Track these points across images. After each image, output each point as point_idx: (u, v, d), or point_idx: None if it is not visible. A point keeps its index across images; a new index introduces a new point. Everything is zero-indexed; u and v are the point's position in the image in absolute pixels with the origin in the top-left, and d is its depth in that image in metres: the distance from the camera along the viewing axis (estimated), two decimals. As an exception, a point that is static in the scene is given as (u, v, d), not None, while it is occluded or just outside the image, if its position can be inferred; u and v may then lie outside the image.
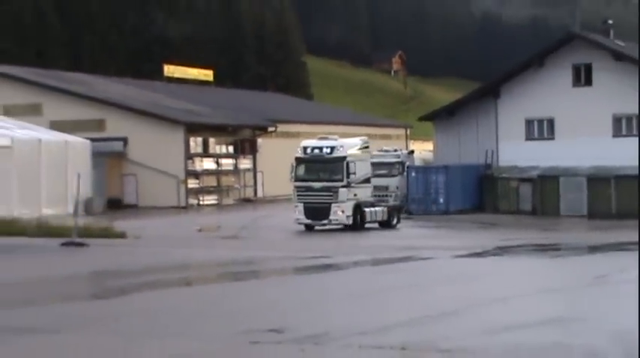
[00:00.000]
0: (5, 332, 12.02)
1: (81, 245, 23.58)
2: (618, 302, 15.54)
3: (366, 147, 34.29)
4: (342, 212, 31.86)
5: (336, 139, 33.74)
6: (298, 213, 32.30)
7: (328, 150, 32.33)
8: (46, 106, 45.43)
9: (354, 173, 32.30)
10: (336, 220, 32.11)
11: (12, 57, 61.72)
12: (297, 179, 32.59)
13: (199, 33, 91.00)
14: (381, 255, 23.60)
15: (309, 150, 32.57)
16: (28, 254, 22.49)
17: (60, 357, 10.76)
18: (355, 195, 32.28)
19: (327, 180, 32.13)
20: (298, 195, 32.30)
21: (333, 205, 31.79)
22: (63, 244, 23.63)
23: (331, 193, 31.82)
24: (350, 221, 32.06)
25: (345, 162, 31.93)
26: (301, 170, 32.57)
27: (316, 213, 31.96)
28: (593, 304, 15.16)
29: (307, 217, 32.13)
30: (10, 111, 42.99)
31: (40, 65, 57.81)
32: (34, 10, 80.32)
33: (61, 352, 11.04)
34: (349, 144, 33.35)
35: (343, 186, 31.90)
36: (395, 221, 34.05)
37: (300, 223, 32.70)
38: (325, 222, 32.22)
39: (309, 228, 32.70)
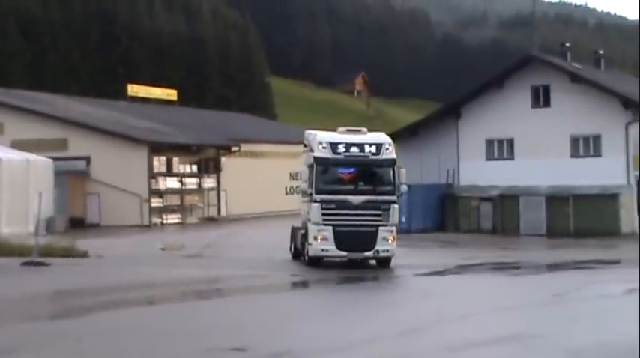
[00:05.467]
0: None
1: (42, 264, 23.31)
2: (575, 319, 15.70)
3: None
4: (393, 239, 23.23)
5: (366, 133, 24.40)
6: (322, 240, 22.92)
7: (373, 149, 23.26)
8: (7, 125, 44.95)
9: (404, 183, 23.75)
10: (386, 251, 23.18)
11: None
12: (320, 190, 23.07)
13: (164, 53, 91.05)
14: (345, 274, 23.60)
15: (341, 148, 23.16)
16: (-11, 273, 22.21)
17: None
18: None
19: (373, 193, 23.20)
20: (325, 216, 22.87)
21: (380, 229, 22.88)
22: (23, 264, 23.33)
23: (380, 212, 22.95)
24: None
25: (395, 168, 23.38)
26: (330, 177, 23.39)
27: (356, 241, 22.83)
28: (551, 321, 15.28)
29: (341, 247, 22.93)
30: (-28, 130, 42.57)
31: (3, 84, 57.25)
32: (-3, 29, 79.75)
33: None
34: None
35: (395, 203, 23.31)
36: None
37: (326, 257, 23.57)
38: (369, 254, 23.17)
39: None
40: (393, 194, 23.28)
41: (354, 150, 23.24)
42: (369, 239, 22.85)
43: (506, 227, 40.65)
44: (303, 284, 21.94)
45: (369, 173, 23.59)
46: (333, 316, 16.24)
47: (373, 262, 24.01)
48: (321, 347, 12.21)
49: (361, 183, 23.41)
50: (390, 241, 23.15)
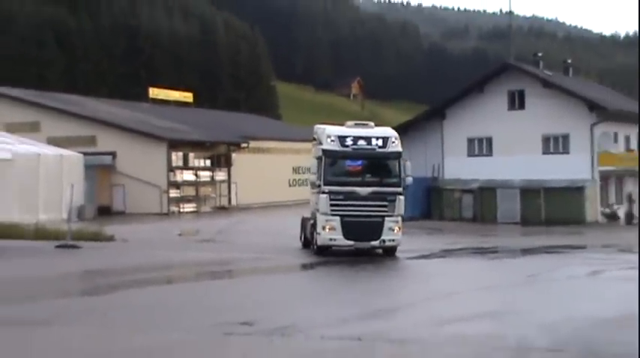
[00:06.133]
0: (5, 325, 11.87)
1: (74, 247, 23.31)
2: (547, 297, 15.69)
3: None
4: (399, 229, 21.67)
5: (373, 127, 22.86)
6: (330, 230, 21.41)
7: (380, 142, 21.75)
8: (43, 124, 44.94)
9: (409, 175, 21.98)
10: (392, 241, 21.72)
11: (15, 81, 61.06)
12: (328, 182, 21.60)
13: (181, 60, 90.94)
14: (345, 258, 23.53)
15: (349, 141, 21.66)
16: (27, 255, 22.18)
17: (52, 347, 10.61)
18: None
19: (379, 185, 21.66)
20: (333, 206, 21.41)
21: (386, 220, 21.39)
22: (57, 246, 23.32)
23: (386, 203, 21.45)
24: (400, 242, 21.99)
25: (401, 160, 21.88)
26: (338, 169, 21.83)
27: (363, 230, 21.37)
28: (525, 299, 15.28)
29: (348, 237, 21.44)
30: (12, 128, 42.44)
31: (40, 88, 57.19)
32: (36, 39, 79.94)
33: (53, 342, 10.90)
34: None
35: (400, 194, 21.75)
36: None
37: (334, 246, 21.91)
38: (375, 243, 21.68)
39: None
40: (398, 186, 21.66)
41: (362, 143, 21.68)
42: (375, 229, 21.33)
43: (485, 216, 40.70)
44: (307, 267, 21.83)
45: (376, 165, 21.96)
46: (333, 294, 16.22)
47: (379, 250, 22.66)
48: (321, 322, 12.18)
49: (368, 175, 21.82)
50: (395, 231, 21.53)
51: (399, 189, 21.64)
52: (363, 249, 22.09)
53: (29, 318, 12.49)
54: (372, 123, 23.27)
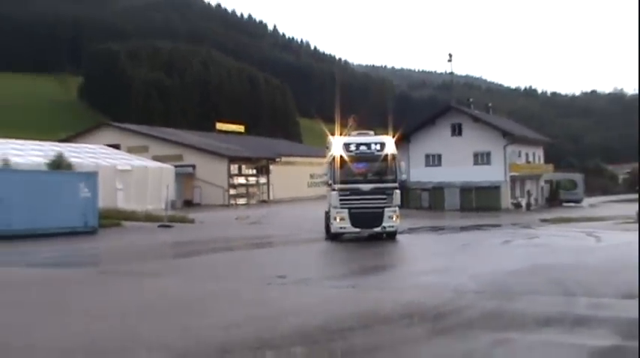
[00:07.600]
0: (125, 275, 12.08)
1: (169, 226, 23.52)
2: (475, 259, 15.69)
3: None
4: (397, 217, 18.60)
5: (372, 135, 19.66)
6: (340, 220, 18.36)
7: (378, 147, 18.57)
8: (151, 147, 45.23)
9: (403, 173, 19.15)
10: (391, 227, 18.54)
11: (133, 120, 61.60)
12: (339, 181, 18.45)
13: (237, 104, 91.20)
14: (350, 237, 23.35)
15: (353, 147, 18.50)
16: (140, 231, 22.41)
17: (155, 289, 10.79)
18: None
19: (379, 181, 18.44)
20: (342, 200, 18.34)
21: (386, 210, 18.35)
22: (159, 226, 23.56)
23: (384, 196, 18.35)
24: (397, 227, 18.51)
25: (396, 161, 18.75)
26: (345, 170, 18.47)
27: (367, 219, 18.34)
28: (461, 260, 15.31)
29: (355, 225, 18.42)
30: (131, 150, 42.89)
31: (148, 124, 57.57)
32: (145, 94, 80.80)
33: (156, 287, 11.07)
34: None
35: (397, 188, 18.69)
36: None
37: (344, 233, 18.69)
38: (378, 229, 18.52)
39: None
40: (395, 182, 18.59)
41: (363, 148, 18.57)
42: (377, 217, 18.33)
43: (437, 206, 40.69)
44: (318, 240, 21.72)
45: (376, 166, 18.66)
46: (336, 258, 16.25)
47: (384, 235, 20.64)
48: (329, 275, 12.29)
49: (370, 174, 18.63)
50: (394, 219, 18.47)
51: (396, 185, 18.64)
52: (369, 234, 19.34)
53: (141, 271, 12.66)
54: (372, 132, 20.23)
